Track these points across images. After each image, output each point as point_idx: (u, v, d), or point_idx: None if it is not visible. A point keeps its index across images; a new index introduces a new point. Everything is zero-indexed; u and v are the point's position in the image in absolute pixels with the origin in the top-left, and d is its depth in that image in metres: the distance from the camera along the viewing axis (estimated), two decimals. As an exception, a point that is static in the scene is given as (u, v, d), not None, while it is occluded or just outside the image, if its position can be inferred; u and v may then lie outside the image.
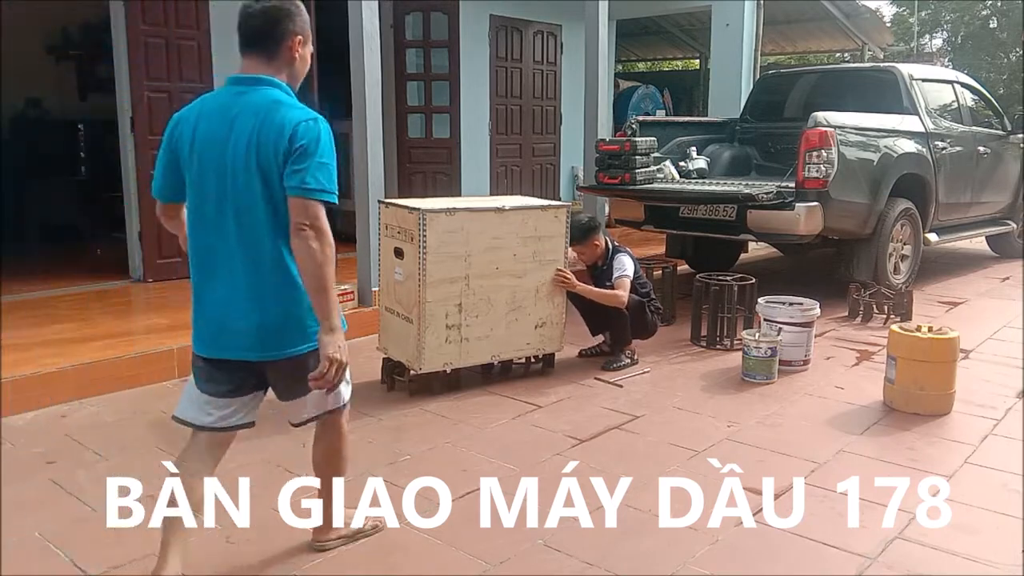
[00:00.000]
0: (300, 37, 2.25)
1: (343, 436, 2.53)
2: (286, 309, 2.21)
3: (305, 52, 2.28)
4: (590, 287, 4.45)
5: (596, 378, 4.37)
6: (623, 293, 4.41)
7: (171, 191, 2.27)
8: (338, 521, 2.60)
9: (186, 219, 2.28)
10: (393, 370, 4.18)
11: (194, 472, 2.36)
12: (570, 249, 4.46)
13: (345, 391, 2.43)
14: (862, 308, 5.61)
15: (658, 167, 6.24)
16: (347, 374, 2.28)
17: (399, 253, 4.00)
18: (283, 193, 2.11)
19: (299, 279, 2.15)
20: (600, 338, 4.81)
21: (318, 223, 2.08)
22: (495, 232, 4.02)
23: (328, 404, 2.41)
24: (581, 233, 4.52)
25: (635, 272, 4.57)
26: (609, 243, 4.64)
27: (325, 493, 2.58)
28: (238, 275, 2.18)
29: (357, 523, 2.66)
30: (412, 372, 4.02)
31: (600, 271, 4.60)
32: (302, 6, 2.28)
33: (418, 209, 3.82)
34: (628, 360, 4.55)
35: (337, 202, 2.15)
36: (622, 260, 4.54)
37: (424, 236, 3.78)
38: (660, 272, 5.81)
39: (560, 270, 4.26)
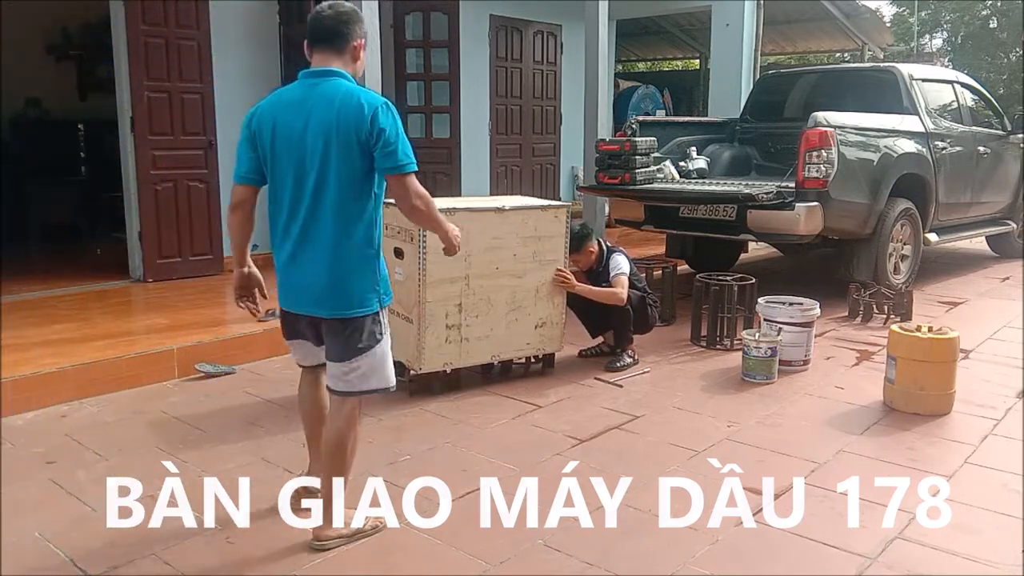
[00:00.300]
0: (363, 40, 2.61)
1: (352, 425, 2.64)
2: (345, 279, 2.53)
3: (364, 57, 2.64)
4: (589, 287, 4.45)
5: (596, 378, 4.37)
6: (622, 290, 4.41)
7: (252, 176, 2.62)
8: (338, 521, 2.63)
9: (268, 200, 2.62)
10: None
11: (308, 394, 2.85)
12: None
13: (391, 378, 2.69)
14: (862, 308, 5.61)
15: (658, 167, 6.25)
16: (385, 370, 2.65)
17: (399, 253, 4.00)
18: (360, 168, 2.45)
19: (360, 252, 2.53)
20: (600, 339, 4.81)
21: (418, 191, 2.52)
22: (495, 232, 4.02)
23: (350, 385, 2.62)
24: (575, 242, 4.50)
25: (630, 270, 4.57)
26: (603, 245, 4.65)
27: (325, 490, 2.64)
28: (319, 242, 2.52)
29: (357, 523, 2.68)
30: (412, 372, 4.02)
31: (596, 274, 4.60)
32: (363, 20, 2.66)
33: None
34: (630, 360, 4.55)
35: (417, 169, 2.53)
36: (617, 260, 4.54)
37: (424, 236, 3.78)
38: (660, 272, 5.81)
39: (560, 270, 4.26)
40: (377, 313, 2.60)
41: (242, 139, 2.61)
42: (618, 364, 4.49)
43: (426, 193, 2.57)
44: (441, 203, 4.01)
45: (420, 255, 3.82)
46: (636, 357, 4.60)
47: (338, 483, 2.61)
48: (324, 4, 2.57)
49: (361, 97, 2.44)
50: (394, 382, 2.73)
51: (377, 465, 3.22)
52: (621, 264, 4.51)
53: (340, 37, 2.53)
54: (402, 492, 2.98)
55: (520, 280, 4.15)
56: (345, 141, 2.42)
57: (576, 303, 4.56)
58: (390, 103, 2.50)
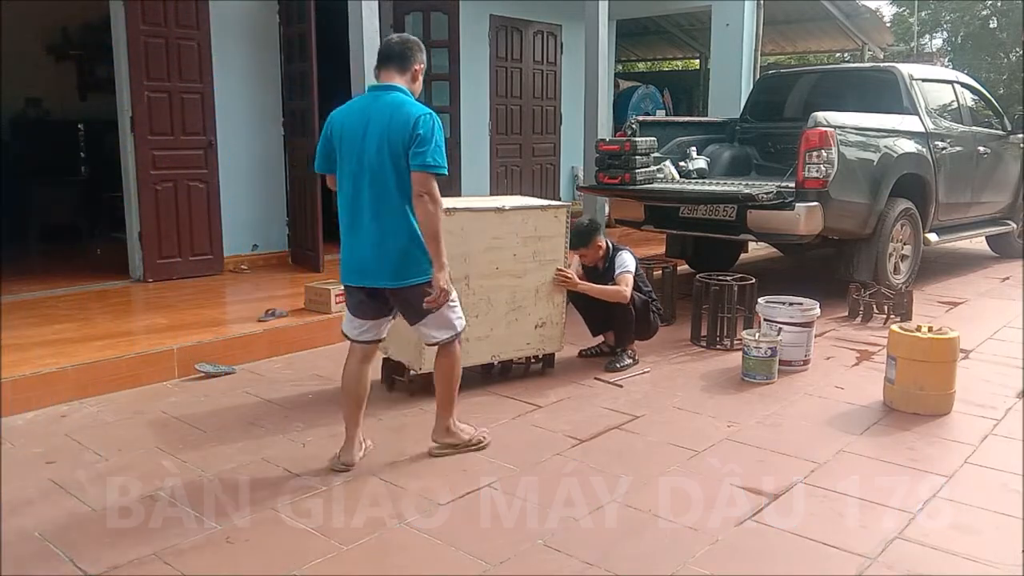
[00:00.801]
0: (422, 66, 3.15)
1: (456, 360, 3.28)
2: (405, 250, 3.01)
3: (420, 80, 3.16)
4: (591, 284, 4.45)
5: (596, 378, 4.37)
6: (626, 288, 4.41)
7: (326, 166, 3.16)
8: (450, 435, 3.31)
9: (337, 188, 3.13)
10: (393, 370, 4.18)
11: (355, 369, 3.24)
12: (574, 255, 4.47)
13: (458, 324, 3.22)
14: (862, 308, 5.61)
15: (658, 167, 6.25)
16: (459, 308, 3.22)
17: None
18: (407, 166, 2.93)
19: (416, 229, 2.98)
20: (600, 338, 4.81)
21: (432, 191, 2.93)
22: (495, 232, 4.02)
23: (444, 335, 3.20)
24: (583, 236, 4.51)
25: (636, 270, 4.57)
26: (609, 243, 4.64)
27: (440, 405, 3.32)
28: (372, 225, 3.01)
29: (466, 435, 3.34)
30: (412, 372, 4.02)
31: (601, 272, 4.60)
32: (425, 50, 3.20)
33: None
34: (630, 360, 4.55)
35: (447, 174, 3.00)
36: (623, 257, 4.53)
37: None
38: (660, 272, 5.81)
39: (560, 269, 4.26)
40: (431, 279, 3.04)
41: (321, 137, 3.17)
42: (618, 364, 4.49)
43: (436, 195, 2.95)
44: (442, 202, 4.01)
45: None
46: (636, 357, 4.59)
47: (450, 397, 3.29)
48: (394, 35, 3.21)
49: (411, 108, 2.97)
50: (461, 327, 3.25)
51: (377, 465, 3.22)
52: (627, 262, 4.51)
53: (404, 60, 3.08)
54: (402, 492, 2.98)
55: (520, 280, 4.15)
56: (394, 143, 2.93)
57: (579, 300, 4.56)
58: (434, 114, 2.99)
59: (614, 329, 4.60)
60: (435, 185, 2.93)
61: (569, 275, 4.30)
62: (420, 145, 2.90)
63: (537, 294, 4.22)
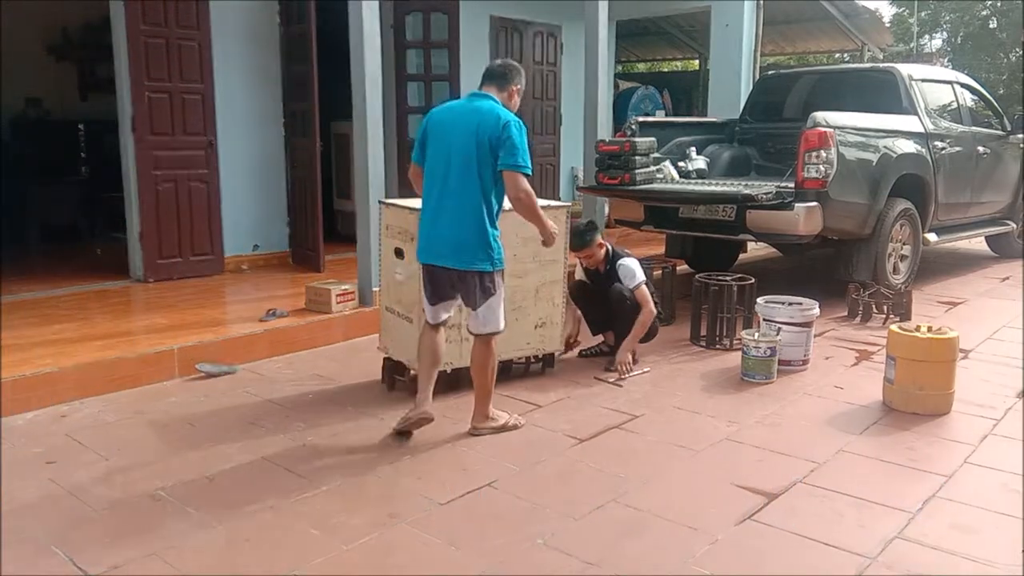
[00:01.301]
0: (519, 87, 3.53)
1: (491, 354, 3.54)
2: (475, 238, 3.36)
3: (518, 99, 3.54)
4: (629, 341, 4.41)
5: (596, 377, 4.38)
6: (650, 307, 4.42)
7: (420, 158, 3.53)
8: (488, 420, 3.58)
9: (423, 176, 3.51)
10: (394, 370, 4.18)
11: (429, 339, 3.61)
12: (575, 256, 4.47)
13: (501, 324, 3.52)
14: (861, 308, 5.61)
15: (658, 167, 6.24)
16: (501, 312, 3.51)
17: (400, 253, 4.00)
18: (491, 163, 3.30)
19: (486, 221, 3.37)
20: (600, 338, 4.81)
21: (526, 188, 3.33)
22: None
23: (487, 328, 3.50)
24: (583, 238, 4.50)
25: (645, 276, 4.55)
26: (608, 246, 4.64)
27: (478, 393, 3.59)
28: (452, 212, 3.37)
29: (502, 419, 3.61)
30: (412, 372, 4.02)
31: (603, 275, 4.59)
32: (524, 75, 3.60)
33: (419, 210, 3.81)
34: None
35: (531, 173, 3.36)
36: (630, 267, 4.49)
37: None
38: (660, 272, 5.81)
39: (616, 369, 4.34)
40: (490, 273, 3.42)
41: (419, 130, 3.55)
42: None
43: (531, 191, 3.36)
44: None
45: None
46: (636, 357, 4.59)
47: (486, 387, 3.55)
48: (498, 59, 3.69)
49: (500, 113, 3.32)
50: (502, 328, 3.54)
51: (378, 465, 3.23)
52: (637, 273, 4.48)
53: (504, 79, 3.49)
54: (402, 492, 2.99)
55: (520, 280, 4.15)
56: (481, 139, 3.28)
57: (579, 299, 4.57)
58: (520, 121, 3.35)
59: (615, 330, 4.60)
60: (525, 183, 3.32)
61: (624, 363, 4.35)
62: (511, 148, 3.26)
63: (537, 294, 4.22)
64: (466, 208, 3.35)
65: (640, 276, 4.48)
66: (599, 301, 4.47)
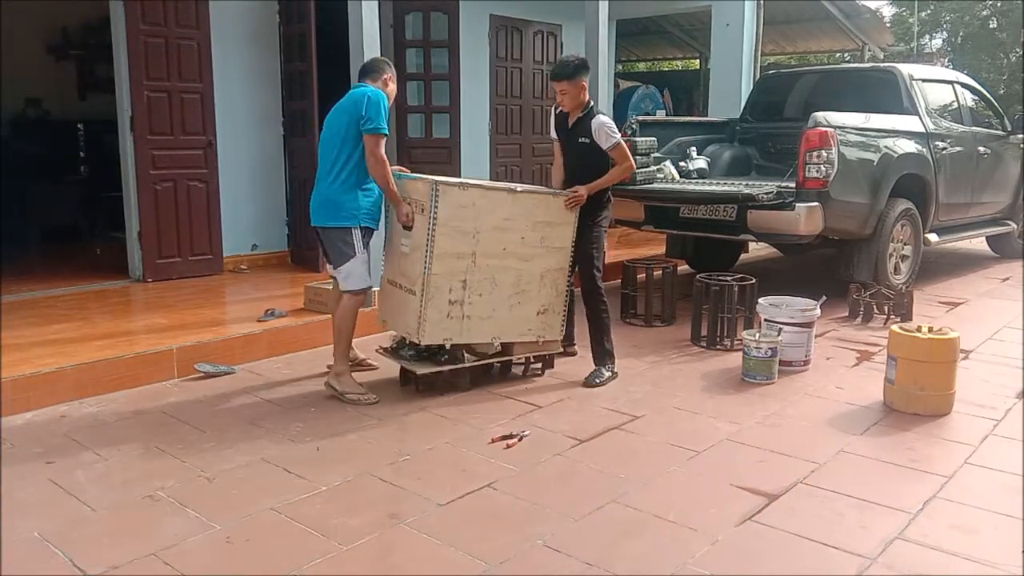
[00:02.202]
0: (389, 76, 4.13)
1: (344, 313, 4.01)
2: (334, 196, 3.92)
3: (393, 86, 4.15)
4: (597, 182, 4.20)
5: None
6: (627, 162, 4.21)
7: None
8: (336, 379, 4.00)
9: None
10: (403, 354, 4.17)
11: (333, 306, 4.26)
12: (554, 86, 4.22)
13: (362, 283, 4.00)
14: (862, 308, 5.60)
15: (658, 167, 6.24)
16: (359, 276, 3.99)
17: (406, 225, 4.01)
18: (356, 133, 3.88)
19: (350, 182, 3.92)
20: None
21: (377, 153, 3.85)
22: (506, 213, 4.01)
23: (347, 285, 4.01)
24: (571, 69, 4.15)
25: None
26: (589, 99, 4.29)
27: (334, 350, 4.06)
28: (322, 177, 4.00)
29: (348, 390, 3.97)
30: (411, 370, 4.02)
31: (570, 128, 4.30)
32: (393, 68, 4.21)
33: (432, 180, 3.85)
34: (609, 375, 4.31)
35: (387, 133, 3.90)
36: (604, 124, 4.17)
37: (435, 208, 3.78)
38: (660, 272, 5.81)
39: (568, 196, 4.15)
40: (347, 228, 3.92)
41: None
42: (596, 380, 4.26)
43: (381, 157, 3.85)
44: (455, 179, 4.10)
45: (430, 226, 3.81)
46: (616, 371, 4.37)
47: (337, 347, 4.02)
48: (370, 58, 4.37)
49: (366, 90, 3.93)
50: (363, 286, 4.00)
51: (378, 465, 3.22)
52: (611, 128, 4.18)
53: (376, 72, 4.09)
54: (402, 492, 2.98)
55: (527, 264, 4.13)
56: (351, 121, 3.90)
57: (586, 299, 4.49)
58: (383, 96, 3.95)
59: (590, 343, 4.40)
60: (379, 148, 3.82)
61: (577, 192, 4.14)
62: (369, 115, 3.81)
63: (542, 280, 4.20)
64: (332, 171, 3.90)
65: (617, 133, 4.21)
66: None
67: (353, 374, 4.11)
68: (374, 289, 4.42)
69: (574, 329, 4.72)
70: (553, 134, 4.51)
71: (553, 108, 4.46)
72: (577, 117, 4.29)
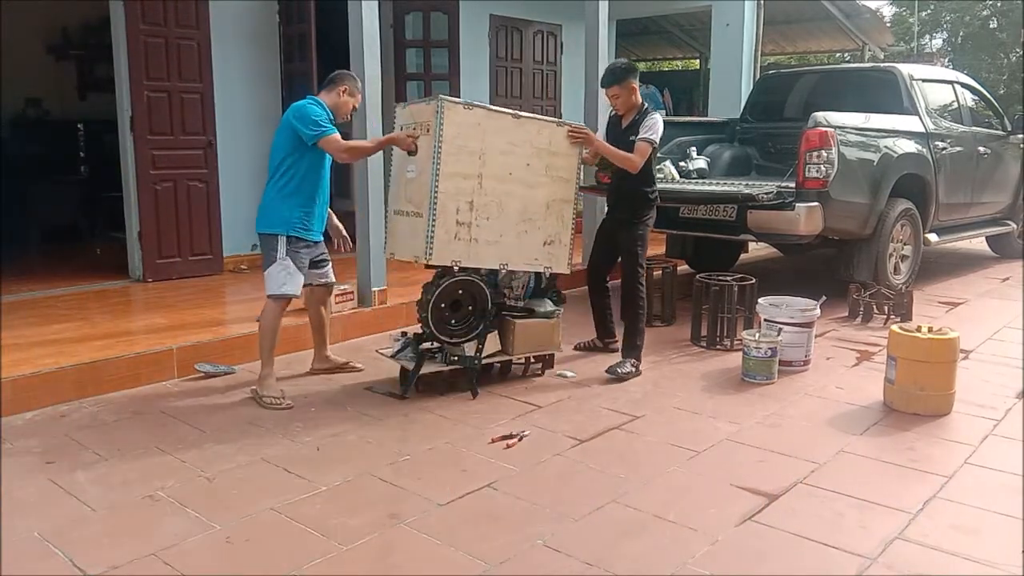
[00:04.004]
0: (344, 88, 4.13)
1: (268, 317, 4.02)
2: (267, 203, 4.01)
3: (347, 98, 4.14)
4: (605, 144, 4.35)
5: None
6: (638, 158, 4.28)
7: None
8: (260, 385, 4.01)
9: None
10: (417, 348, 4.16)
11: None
12: (606, 93, 4.44)
13: (277, 289, 3.97)
14: (862, 308, 5.60)
15: (658, 167, 6.23)
16: (290, 282, 3.98)
17: (412, 151, 4.03)
18: (290, 141, 3.95)
19: (282, 189, 3.96)
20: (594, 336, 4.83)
21: (337, 148, 3.96)
22: (510, 137, 4.03)
23: (267, 290, 4.01)
24: (620, 73, 4.31)
25: (657, 142, 4.38)
26: (644, 101, 4.47)
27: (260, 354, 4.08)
28: (265, 188, 4.08)
29: (264, 391, 3.97)
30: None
31: (623, 129, 4.44)
32: (354, 79, 4.21)
33: (437, 97, 3.87)
34: (632, 369, 4.38)
35: (327, 134, 3.91)
36: (654, 120, 4.30)
37: (441, 126, 3.80)
38: (660, 272, 5.81)
39: (573, 127, 4.21)
40: (273, 236, 3.95)
41: None
42: (619, 370, 4.34)
43: (343, 148, 3.98)
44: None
45: (436, 145, 3.82)
46: (640, 369, 4.44)
47: (263, 360, 4.04)
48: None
49: (302, 103, 4.02)
50: (279, 293, 3.97)
51: (377, 465, 3.22)
52: (654, 127, 4.29)
53: (331, 83, 4.11)
54: (402, 492, 2.98)
55: (532, 191, 4.14)
56: (284, 129, 4.01)
57: (596, 299, 4.65)
58: (314, 100, 4.06)
59: (623, 335, 4.51)
60: (333, 143, 3.90)
61: (584, 130, 4.23)
62: (305, 124, 3.87)
63: (548, 209, 4.20)
64: (271, 179, 3.99)
65: (653, 134, 4.29)
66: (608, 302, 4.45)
67: (350, 374, 4.24)
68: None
69: (613, 326, 4.82)
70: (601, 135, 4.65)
71: (609, 112, 4.60)
72: (632, 119, 4.43)
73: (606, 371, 4.36)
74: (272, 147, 4.03)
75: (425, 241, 3.86)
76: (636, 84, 4.41)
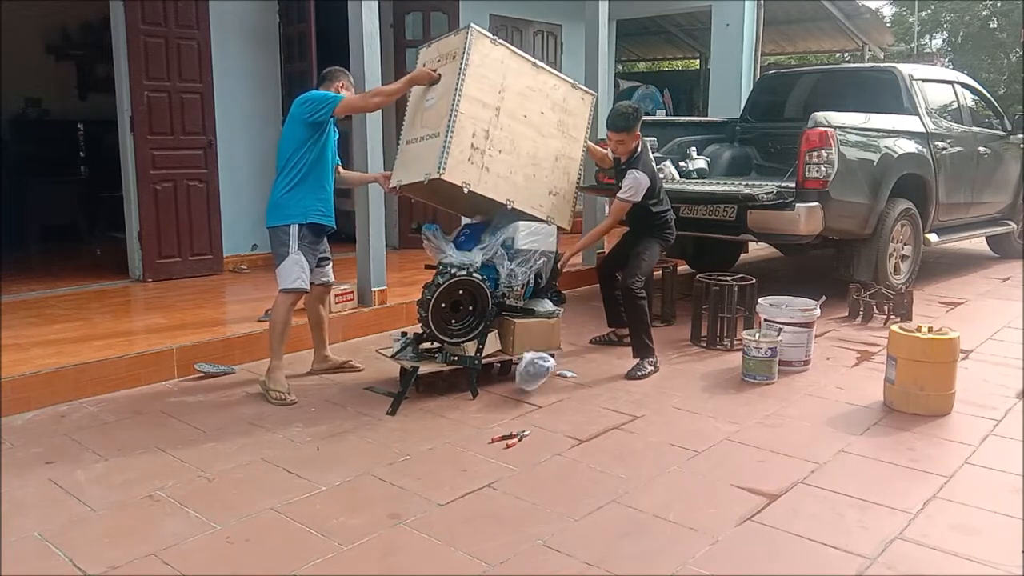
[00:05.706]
0: (341, 83, 4.22)
1: (279, 310, 4.07)
2: (274, 198, 4.04)
3: (345, 92, 4.17)
4: (584, 240, 4.78)
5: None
6: (611, 220, 4.59)
7: None
8: (268, 378, 4.06)
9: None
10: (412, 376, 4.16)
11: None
12: (600, 147, 4.66)
13: (289, 283, 4.02)
14: (862, 308, 5.60)
15: (658, 167, 6.23)
16: (303, 277, 4.04)
17: (434, 80, 4.12)
18: (297, 131, 4.02)
19: (289, 182, 4.00)
20: (611, 329, 4.93)
21: (349, 105, 4.12)
22: (528, 82, 4.20)
23: (280, 283, 4.05)
24: (631, 121, 4.40)
25: (652, 184, 4.45)
26: (641, 144, 4.51)
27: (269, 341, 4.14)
28: (274, 185, 4.12)
29: (276, 388, 4.01)
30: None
31: (619, 172, 4.55)
32: (348, 75, 4.32)
33: (468, 25, 4.02)
34: (652, 368, 4.43)
35: (335, 103, 3.98)
36: (635, 179, 4.37)
37: (468, 52, 3.92)
38: (660, 272, 5.81)
39: (563, 264, 4.43)
40: (284, 227, 3.99)
41: None
42: (639, 373, 4.37)
43: (354, 104, 4.16)
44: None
45: (461, 67, 3.92)
46: (658, 366, 4.48)
47: (272, 351, 4.09)
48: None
49: (306, 93, 4.12)
50: (291, 287, 4.01)
51: (377, 465, 3.22)
52: (635, 187, 4.37)
53: (327, 79, 4.19)
54: (402, 492, 2.98)
55: (544, 140, 4.29)
56: (292, 118, 4.09)
57: (603, 287, 4.73)
58: (320, 92, 4.09)
59: (630, 337, 4.58)
60: (342, 105, 3.97)
61: (570, 259, 4.51)
62: (313, 106, 3.95)
63: (556, 162, 4.34)
64: (280, 175, 4.02)
65: (629, 193, 4.37)
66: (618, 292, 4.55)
67: (343, 372, 4.39)
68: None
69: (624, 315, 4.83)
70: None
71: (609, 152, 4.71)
72: (626, 162, 4.54)
73: (625, 377, 4.37)
74: (280, 143, 4.08)
75: (439, 156, 3.87)
76: (639, 133, 4.49)
